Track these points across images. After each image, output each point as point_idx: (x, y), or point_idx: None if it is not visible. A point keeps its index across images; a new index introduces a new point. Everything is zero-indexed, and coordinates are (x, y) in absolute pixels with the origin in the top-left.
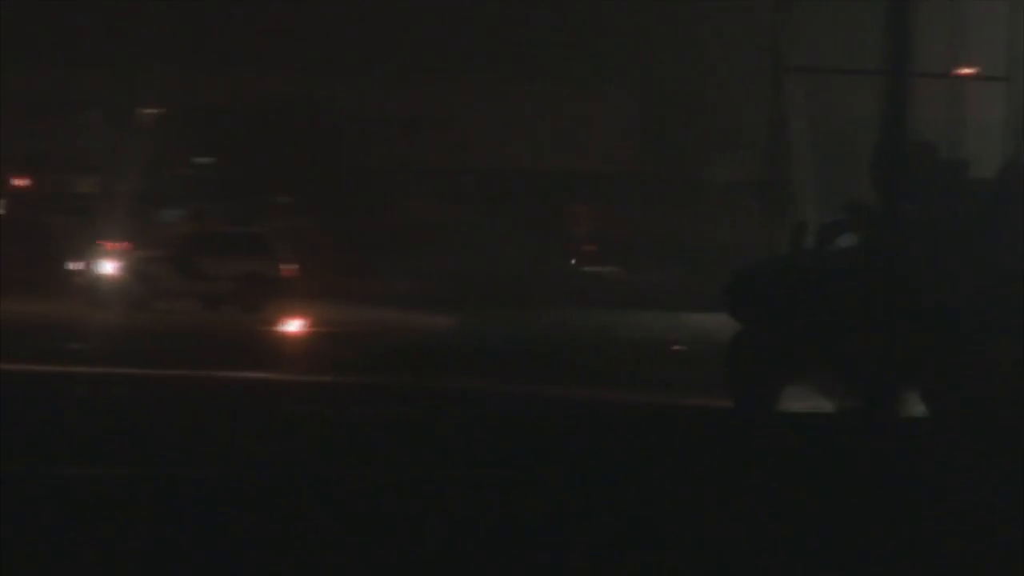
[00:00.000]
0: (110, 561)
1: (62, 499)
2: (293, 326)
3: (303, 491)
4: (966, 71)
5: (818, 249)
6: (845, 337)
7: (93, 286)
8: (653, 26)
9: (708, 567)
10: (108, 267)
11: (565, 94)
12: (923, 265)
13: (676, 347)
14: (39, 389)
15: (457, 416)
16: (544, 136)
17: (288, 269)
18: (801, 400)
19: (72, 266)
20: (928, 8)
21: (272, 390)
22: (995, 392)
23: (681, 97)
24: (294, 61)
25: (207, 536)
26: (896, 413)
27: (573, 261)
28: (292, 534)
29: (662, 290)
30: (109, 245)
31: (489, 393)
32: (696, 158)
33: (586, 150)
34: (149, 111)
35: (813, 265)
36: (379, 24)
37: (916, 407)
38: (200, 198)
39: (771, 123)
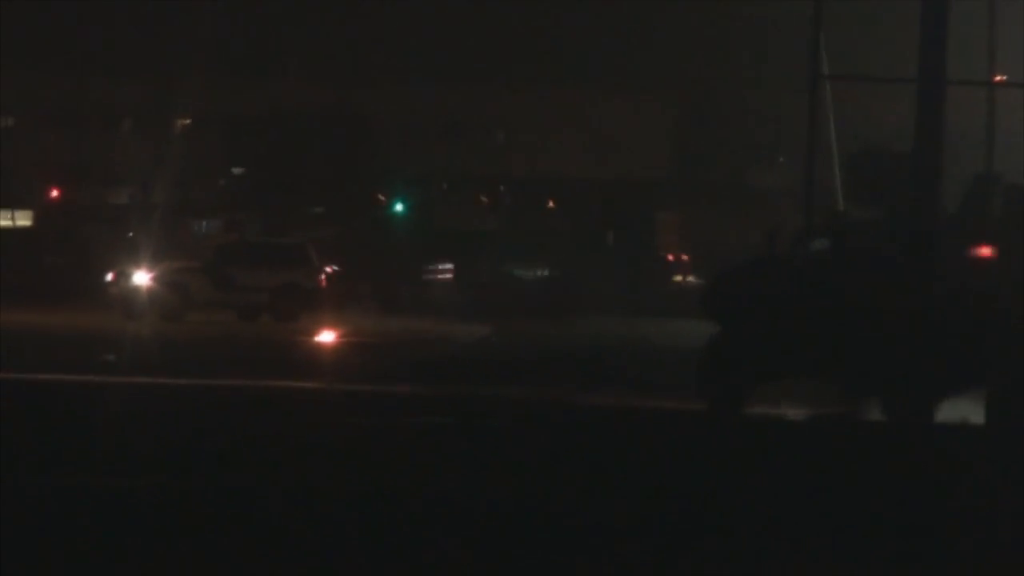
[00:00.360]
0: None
1: (96, 508)
2: (329, 336)
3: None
4: (1001, 78)
5: (791, 254)
6: (815, 339)
7: (128, 297)
8: (691, 33)
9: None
10: (143, 278)
11: (603, 101)
12: (889, 270)
13: None
14: (74, 399)
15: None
16: (584, 144)
17: (324, 279)
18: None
19: (107, 277)
20: (964, 16)
21: (309, 399)
22: (956, 394)
23: (720, 104)
24: (330, 70)
25: (250, 543)
26: (866, 414)
27: (680, 277)
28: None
29: None
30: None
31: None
32: (735, 165)
33: (627, 157)
34: (184, 122)
35: (785, 269)
36: (418, 32)
37: (887, 409)
38: (235, 208)
39: (809, 130)
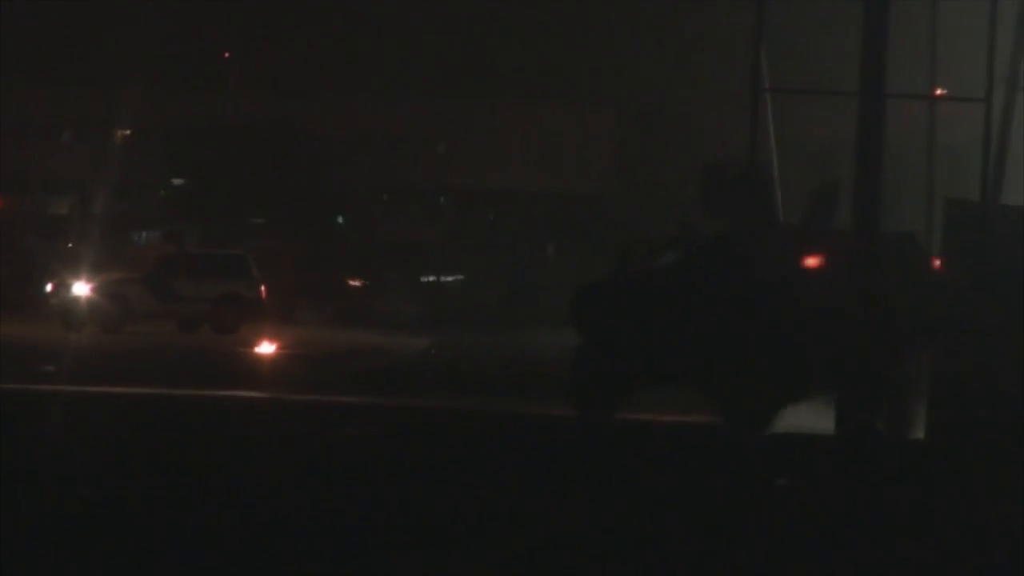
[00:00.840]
0: None
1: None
2: (268, 348)
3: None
4: (941, 92)
5: (643, 266)
6: (664, 350)
7: (67, 308)
8: (634, 44)
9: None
10: (83, 289)
11: (547, 113)
12: (727, 281)
13: None
14: (12, 408)
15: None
16: (528, 156)
17: (264, 291)
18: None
19: (47, 288)
20: (904, 29)
21: (250, 409)
22: (792, 404)
23: (664, 116)
24: (271, 82)
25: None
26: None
27: None
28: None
29: None
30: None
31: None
32: (678, 177)
33: (572, 169)
34: (124, 132)
35: (636, 281)
36: (360, 44)
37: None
38: (175, 219)
39: (749, 144)
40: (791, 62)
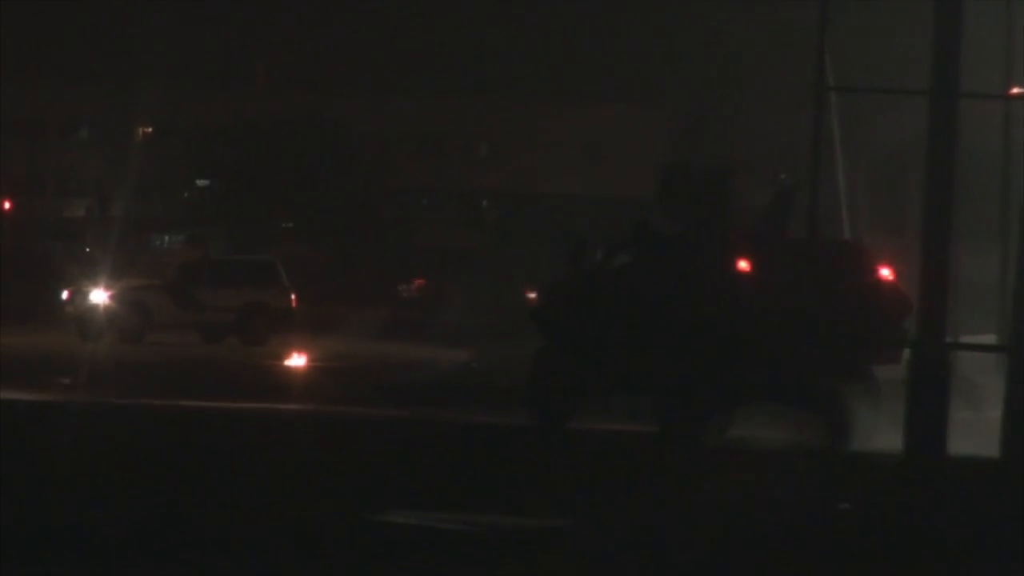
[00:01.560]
0: None
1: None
2: (298, 360)
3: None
4: (1018, 91)
5: (598, 268)
6: (619, 353)
7: (84, 317)
8: (688, 44)
9: None
10: (101, 297)
11: (595, 114)
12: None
13: None
14: (27, 420)
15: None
16: (575, 158)
17: (294, 299)
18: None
19: (63, 295)
20: (979, 27)
21: (272, 421)
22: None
23: (718, 118)
24: (302, 78)
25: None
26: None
27: None
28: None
29: None
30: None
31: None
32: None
33: (620, 172)
34: (145, 131)
35: (587, 283)
36: (396, 40)
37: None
38: (199, 223)
39: (812, 145)
40: (856, 61)
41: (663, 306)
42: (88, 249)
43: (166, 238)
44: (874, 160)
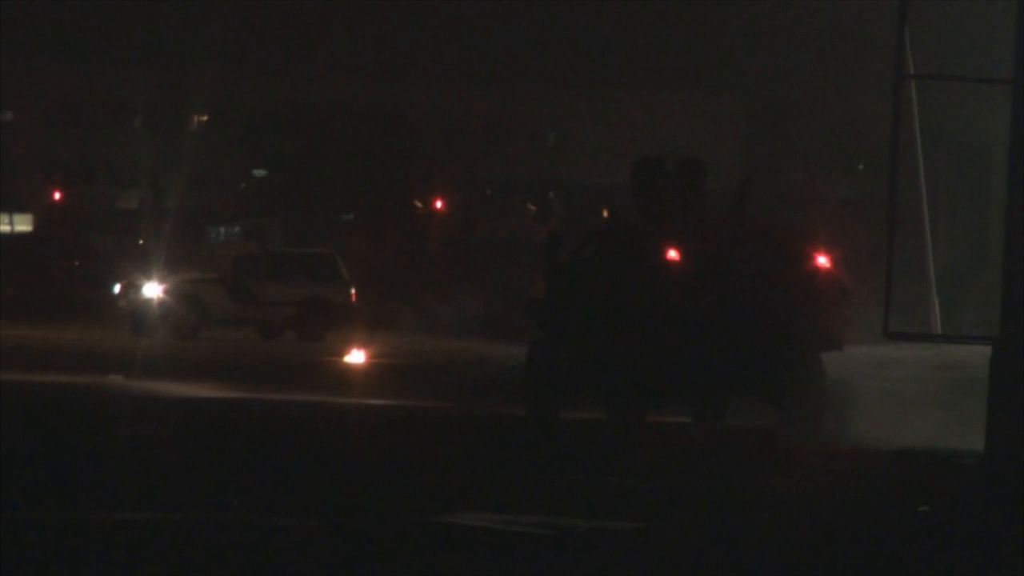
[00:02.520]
0: None
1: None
2: (358, 357)
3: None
4: None
5: (571, 261)
6: (587, 344)
7: (137, 311)
8: (763, 31)
9: None
10: (154, 290)
11: (667, 103)
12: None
13: None
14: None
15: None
16: (645, 149)
17: (354, 294)
18: None
19: (115, 289)
20: None
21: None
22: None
23: (794, 106)
24: (363, 65)
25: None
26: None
27: None
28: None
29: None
30: None
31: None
32: (809, 173)
33: None
34: (200, 119)
35: (563, 276)
36: (461, 26)
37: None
38: (257, 215)
39: (892, 135)
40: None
41: (613, 296)
42: (141, 241)
43: (222, 230)
44: (957, 150)
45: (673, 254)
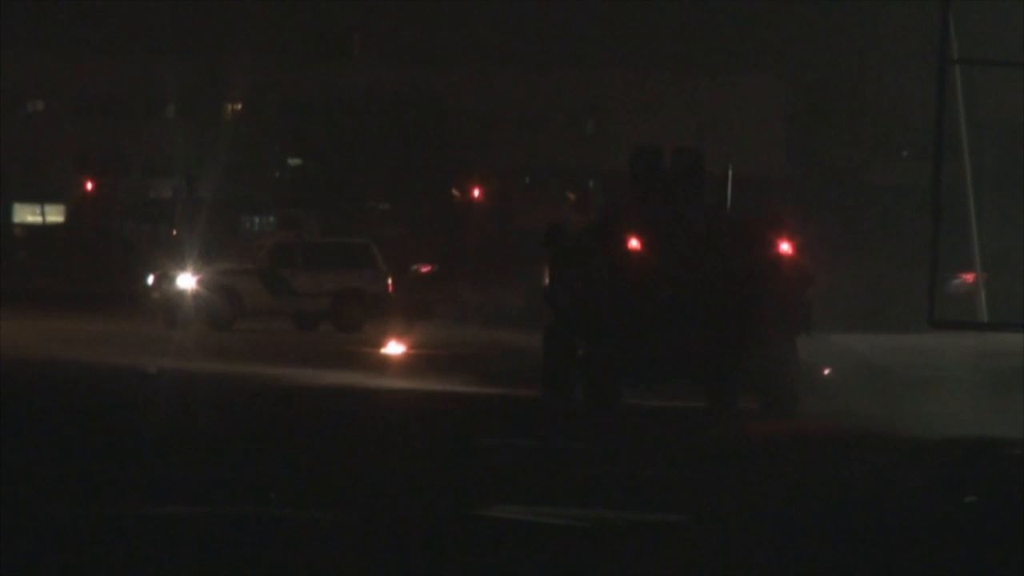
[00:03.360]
0: None
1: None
2: (396, 348)
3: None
4: None
5: (569, 248)
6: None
7: (171, 303)
8: (805, 12)
9: None
10: (188, 282)
11: (707, 86)
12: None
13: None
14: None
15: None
16: (684, 135)
17: (391, 284)
18: None
19: (148, 280)
20: None
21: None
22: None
23: (838, 91)
24: (399, 51)
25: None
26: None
27: None
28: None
29: None
30: None
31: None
32: (853, 159)
33: (733, 148)
34: (235, 107)
35: (556, 263)
36: (498, 8)
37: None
38: (292, 204)
39: (936, 120)
40: (985, 32)
41: (590, 285)
42: (175, 231)
43: (256, 220)
44: (1003, 136)
45: (635, 243)
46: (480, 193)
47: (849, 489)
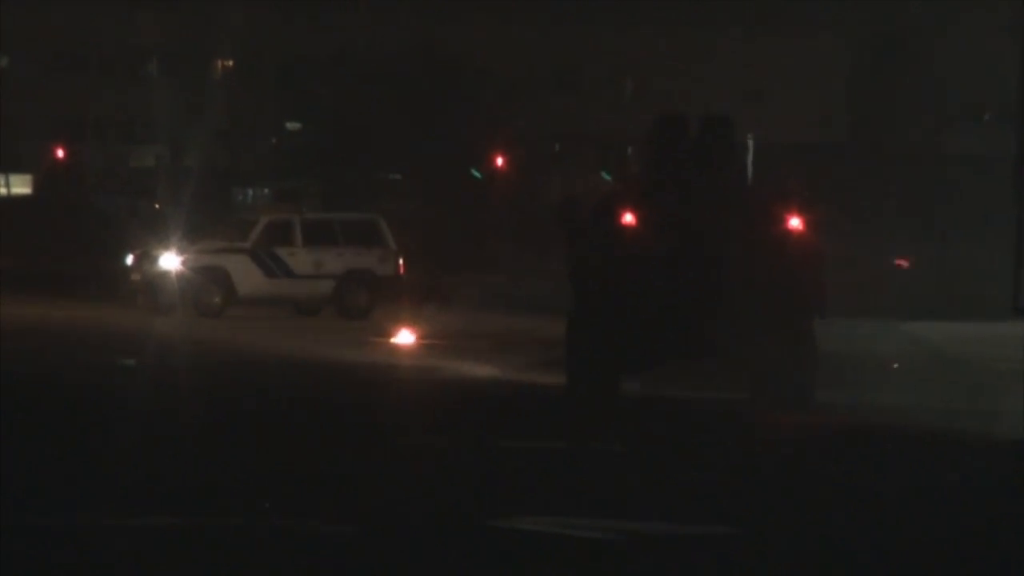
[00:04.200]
0: None
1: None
2: (407, 337)
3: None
4: None
5: (583, 228)
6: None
7: (153, 286)
8: None
9: None
10: (172, 262)
11: (759, 45)
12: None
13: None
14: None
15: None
16: (736, 98)
17: (402, 265)
18: None
19: (127, 260)
20: None
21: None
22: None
23: (909, 51)
24: (411, 4)
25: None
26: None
27: None
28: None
29: None
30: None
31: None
32: (928, 125)
33: (789, 113)
34: (225, 65)
35: (572, 242)
36: None
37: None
38: (291, 175)
39: (1019, 86)
40: None
41: (597, 263)
42: (157, 205)
43: (250, 192)
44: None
45: (630, 218)
46: (504, 162)
47: (922, 496)
